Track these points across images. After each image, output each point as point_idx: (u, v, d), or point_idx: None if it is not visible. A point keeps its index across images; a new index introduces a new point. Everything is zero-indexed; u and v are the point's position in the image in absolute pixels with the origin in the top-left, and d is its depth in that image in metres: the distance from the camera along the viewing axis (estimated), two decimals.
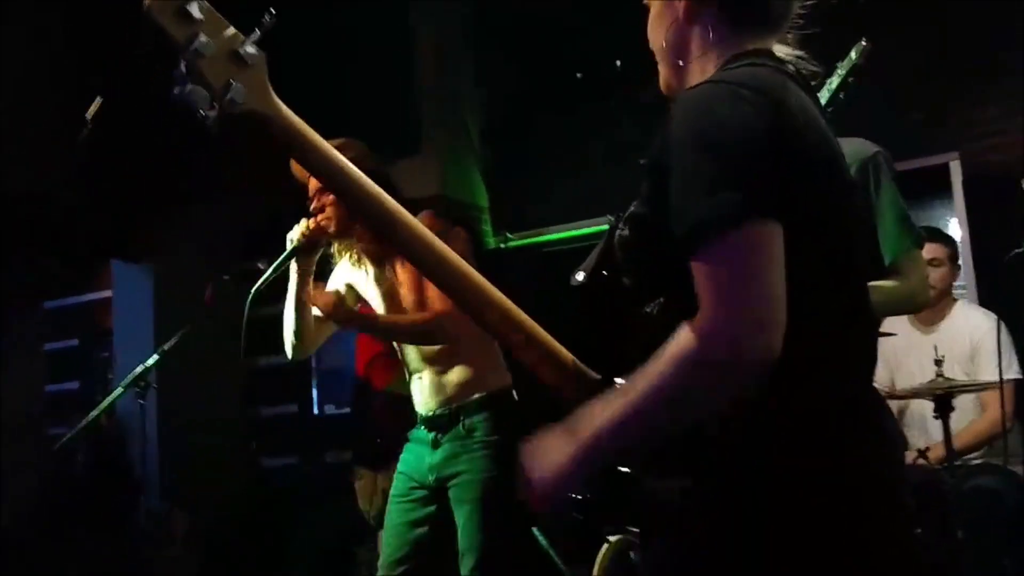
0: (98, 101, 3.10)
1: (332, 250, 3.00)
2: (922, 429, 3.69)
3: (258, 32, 1.26)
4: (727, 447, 1.25)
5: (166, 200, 5.70)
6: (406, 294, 2.93)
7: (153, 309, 5.74)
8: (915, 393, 3.40)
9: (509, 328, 1.45)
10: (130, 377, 4.03)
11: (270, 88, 1.27)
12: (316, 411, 5.85)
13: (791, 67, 1.36)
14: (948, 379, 3.24)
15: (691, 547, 1.28)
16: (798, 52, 1.40)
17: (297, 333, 2.97)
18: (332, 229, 2.89)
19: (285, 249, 2.89)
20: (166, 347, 4.08)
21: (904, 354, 3.71)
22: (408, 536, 2.90)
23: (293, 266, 2.91)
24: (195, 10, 1.21)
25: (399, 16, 5.45)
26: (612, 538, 3.37)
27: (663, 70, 1.45)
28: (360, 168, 1.38)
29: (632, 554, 3.34)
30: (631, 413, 1.20)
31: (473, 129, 5.64)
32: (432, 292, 2.80)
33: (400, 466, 3.02)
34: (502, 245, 5.64)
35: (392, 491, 3.01)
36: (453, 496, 2.87)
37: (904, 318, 3.68)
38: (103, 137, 3.93)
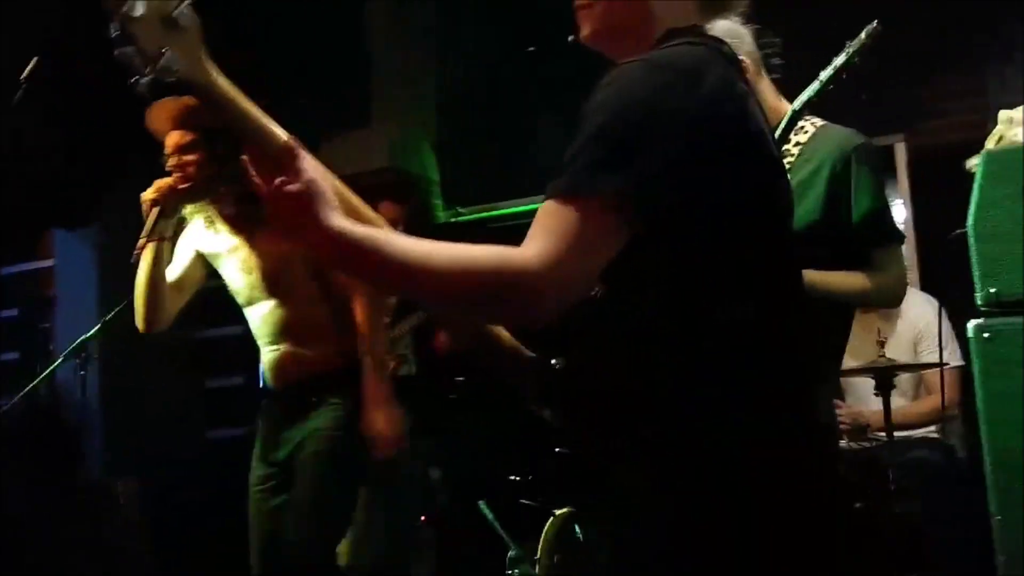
0: (34, 61, 2.99)
1: (183, 212, 2.88)
2: (864, 408, 3.76)
3: None
4: (662, 425, 1.26)
5: (109, 167, 5.58)
6: (267, 267, 2.84)
7: (97, 278, 5.63)
8: (857, 371, 3.46)
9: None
10: (70, 348, 3.96)
11: (205, 55, 1.24)
12: (262, 383, 5.80)
13: (726, 47, 1.35)
14: (890, 359, 3.30)
15: (632, 524, 1.28)
16: (736, 29, 1.40)
17: (150, 304, 2.82)
18: (186, 189, 2.76)
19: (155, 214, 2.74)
20: (108, 317, 4.00)
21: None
22: (269, 528, 2.83)
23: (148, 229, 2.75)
24: None
25: None
26: (557, 512, 3.40)
27: (598, 23, 1.39)
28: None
29: (577, 527, 3.36)
30: (415, 268, 1.19)
31: (425, 100, 5.59)
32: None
33: (256, 449, 2.95)
34: (453, 219, 5.61)
35: (250, 480, 2.93)
36: (301, 456, 2.81)
37: None
38: (42, 100, 3.82)
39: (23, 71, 3.08)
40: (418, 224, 5.35)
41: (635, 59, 1.26)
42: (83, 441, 4.64)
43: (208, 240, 2.95)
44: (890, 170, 4.68)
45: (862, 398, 3.77)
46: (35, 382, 4.06)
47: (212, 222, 2.92)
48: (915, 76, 4.66)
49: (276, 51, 5.11)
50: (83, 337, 3.94)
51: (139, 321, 2.88)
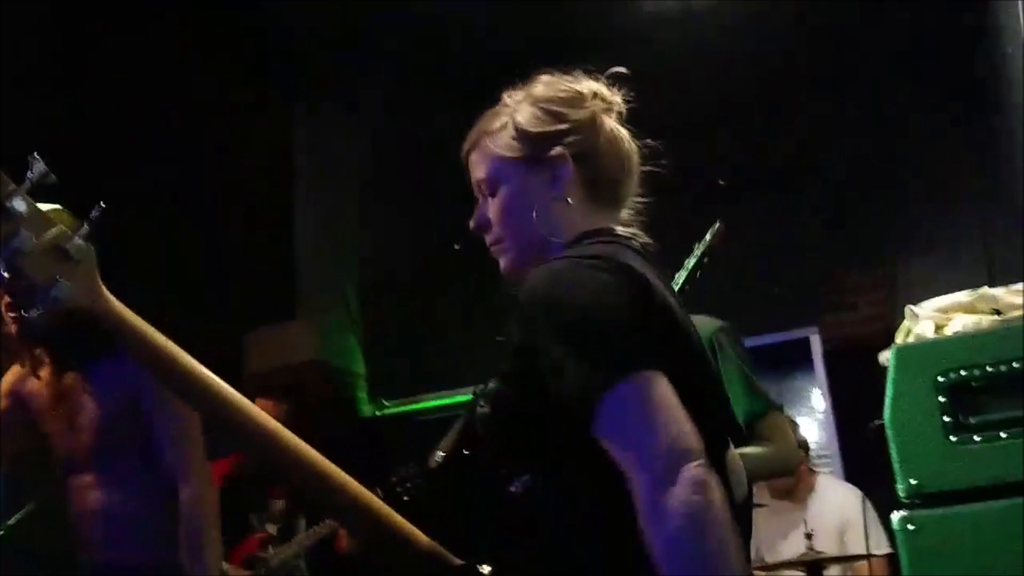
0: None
1: None
2: None
3: (87, 227, 1.21)
4: None
5: None
6: (93, 426, 2.47)
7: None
8: (786, 564, 3.42)
9: (362, 516, 1.37)
10: None
11: (99, 282, 1.23)
12: None
13: (635, 242, 1.40)
14: (819, 552, 3.28)
15: None
16: (633, 229, 1.45)
17: None
18: (16, 331, 2.38)
19: None
20: (11, 522, 3.79)
21: (774, 529, 3.75)
22: None
23: None
24: (18, 205, 1.16)
25: (278, 182, 5.50)
26: None
27: (512, 255, 1.44)
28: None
29: None
30: None
31: (350, 294, 5.63)
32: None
33: None
34: (377, 412, 5.54)
35: None
36: None
37: (770, 493, 3.74)
38: None
39: None
40: (344, 419, 5.28)
41: (556, 260, 1.29)
42: None
43: (27, 383, 2.57)
44: (807, 361, 4.81)
45: None
46: None
47: (35, 368, 2.52)
48: (825, 270, 4.86)
49: (201, 247, 5.13)
50: None
51: None
